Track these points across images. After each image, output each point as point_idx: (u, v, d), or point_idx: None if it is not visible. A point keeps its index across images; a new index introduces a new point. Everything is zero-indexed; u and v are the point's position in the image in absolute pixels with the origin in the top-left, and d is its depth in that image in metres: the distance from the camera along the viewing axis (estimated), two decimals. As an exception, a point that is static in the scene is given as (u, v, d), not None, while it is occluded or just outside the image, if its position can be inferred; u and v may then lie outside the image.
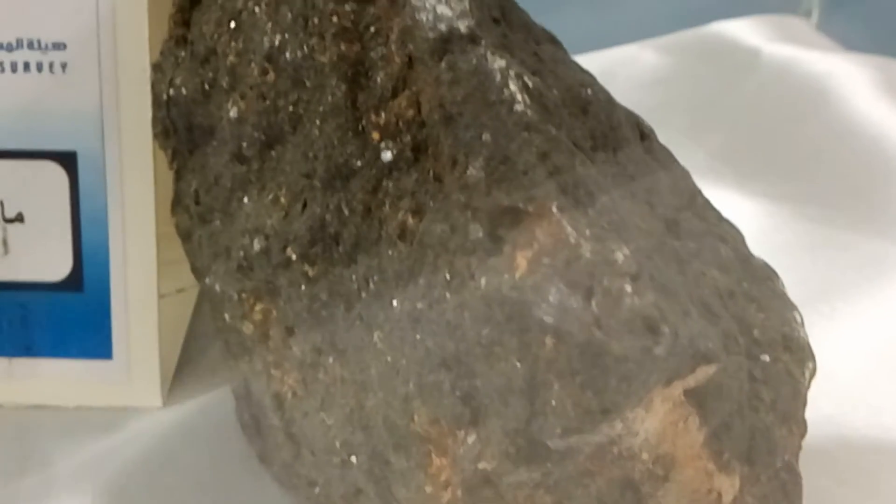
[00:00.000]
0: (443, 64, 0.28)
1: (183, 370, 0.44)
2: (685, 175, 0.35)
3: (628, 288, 0.24)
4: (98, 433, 0.41)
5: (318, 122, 0.31)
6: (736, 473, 0.29)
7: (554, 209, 0.25)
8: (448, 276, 0.27)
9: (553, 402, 0.25)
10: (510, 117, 0.27)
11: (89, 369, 0.42)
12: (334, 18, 0.30)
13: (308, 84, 0.31)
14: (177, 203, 0.39)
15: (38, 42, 0.40)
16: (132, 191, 0.40)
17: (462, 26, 0.28)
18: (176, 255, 0.40)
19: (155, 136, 0.39)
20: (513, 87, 0.27)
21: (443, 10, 0.28)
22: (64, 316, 0.42)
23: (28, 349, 0.42)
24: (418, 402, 0.29)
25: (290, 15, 0.31)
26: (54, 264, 0.41)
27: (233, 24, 0.34)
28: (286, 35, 0.31)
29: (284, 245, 0.33)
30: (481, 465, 0.28)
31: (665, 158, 0.34)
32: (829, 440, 0.37)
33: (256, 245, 0.34)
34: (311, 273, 0.32)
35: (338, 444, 0.33)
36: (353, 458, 0.33)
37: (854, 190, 0.54)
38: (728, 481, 0.28)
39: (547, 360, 0.25)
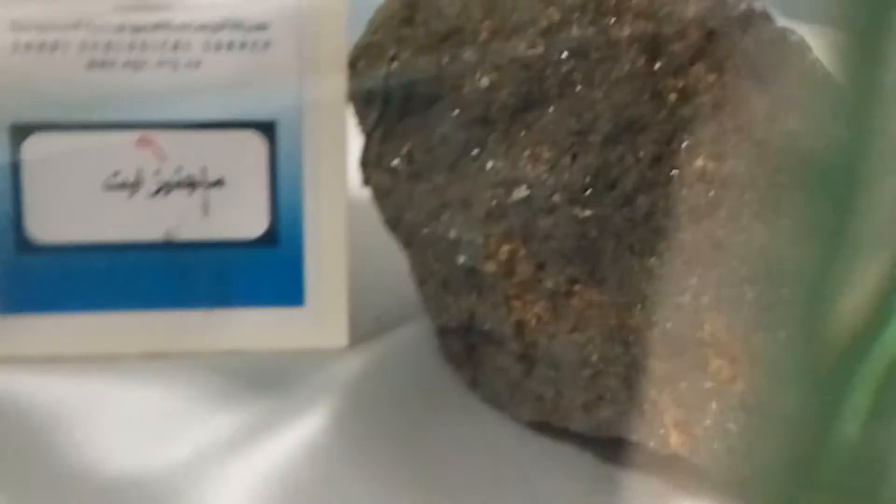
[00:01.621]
0: (748, 36, 0.35)
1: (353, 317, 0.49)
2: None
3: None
4: (299, 373, 0.46)
5: (603, 87, 0.37)
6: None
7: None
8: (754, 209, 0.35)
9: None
10: (818, 81, 0.34)
11: (283, 316, 0.47)
12: (633, 1, 0.36)
13: (594, 56, 0.37)
14: (376, 164, 0.45)
15: (242, 23, 0.44)
16: (326, 155, 0.46)
17: (758, 6, 0.35)
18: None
19: (356, 105, 0.45)
20: (812, 55, 0.35)
21: (740, -7, 0.35)
22: (259, 269, 0.46)
23: (224, 301, 0.47)
24: (714, 313, 0.36)
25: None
26: (251, 223, 0.46)
27: (484, 7, 0.40)
28: (567, 15, 0.38)
29: (551, 193, 0.39)
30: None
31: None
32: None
33: (517, 194, 0.40)
34: (581, 215, 0.39)
35: (594, 358, 0.40)
36: (609, 369, 0.40)
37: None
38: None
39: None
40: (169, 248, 0.46)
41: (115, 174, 0.45)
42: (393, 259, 0.48)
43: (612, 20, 0.37)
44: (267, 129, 0.45)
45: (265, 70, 0.45)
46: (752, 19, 0.35)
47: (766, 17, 0.35)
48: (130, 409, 0.44)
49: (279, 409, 0.44)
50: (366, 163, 0.46)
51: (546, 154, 0.39)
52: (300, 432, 0.43)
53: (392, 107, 0.44)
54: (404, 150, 0.44)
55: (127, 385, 0.45)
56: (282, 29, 0.45)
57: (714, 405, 0.37)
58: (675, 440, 0.38)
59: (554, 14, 0.38)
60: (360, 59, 0.45)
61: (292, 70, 0.45)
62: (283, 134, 0.45)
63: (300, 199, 0.46)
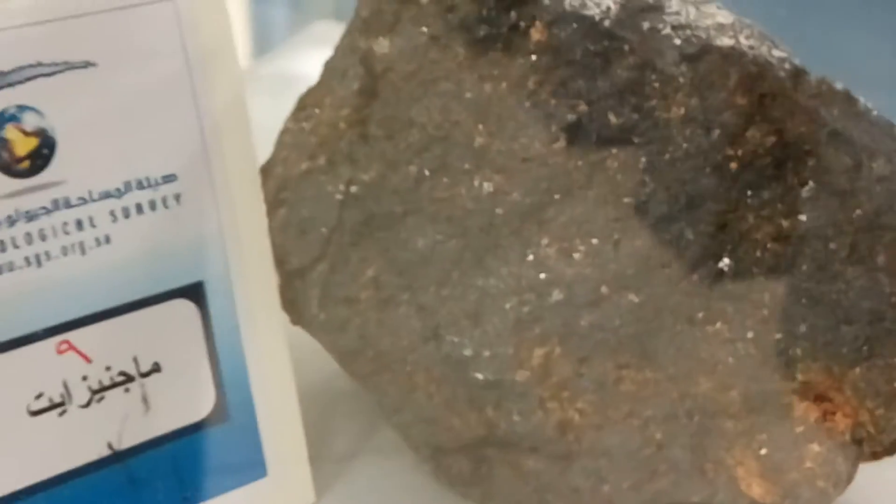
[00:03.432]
0: (802, 93, 0.36)
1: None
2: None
3: None
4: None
5: (653, 169, 0.36)
6: None
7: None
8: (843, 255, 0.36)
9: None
10: (878, 125, 0.36)
11: (248, 494, 0.41)
12: (681, 79, 0.36)
13: (638, 140, 0.36)
14: (322, 298, 0.41)
15: (148, 179, 0.38)
16: (260, 306, 0.40)
17: (796, 61, 0.37)
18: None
19: (282, 243, 0.40)
20: (862, 100, 0.37)
21: (778, 53, 0.36)
22: (214, 451, 0.40)
23: (186, 501, 0.40)
24: (807, 362, 0.37)
25: (606, 85, 0.36)
26: (198, 402, 0.40)
27: (472, 111, 0.37)
28: (595, 105, 0.36)
29: (596, 286, 0.38)
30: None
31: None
32: None
33: (556, 296, 0.38)
34: (635, 299, 0.38)
35: (658, 436, 0.39)
36: (670, 441, 0.39)
37: None
38: None
39: None
40: (114, 461, 0.38)
41: (39, 396, 0.37)
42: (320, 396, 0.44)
43: (654, 102, 0.36)
44: (194, 292, 0.39)
45: (182, 226, 0.38)
46: (798, 76, 0.36)
47: (804, 71, 0.36)
48: None
49: None
50: (294, 300, 0.41)
51: (580, 247, 0.38)
52: None
53: (343, 234, 0.40)
54: (367, 277, 0.40)
55: None
56: (191, 175, 0.38)
57: (814, 447, 0.38)
58: (758, 490, 0.39)
59: (580, 107, 0.36)
60: (285, 189, 0.40)
61: (211, 219, 0.39)
62: (212, 294, 0.39)
63: (243, 360, 0.40)
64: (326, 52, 0.40)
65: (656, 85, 0.36)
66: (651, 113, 0.36)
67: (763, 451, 0.39)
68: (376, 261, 0.40)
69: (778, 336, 0.37)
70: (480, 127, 0.37)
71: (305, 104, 0.40)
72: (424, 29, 0.37)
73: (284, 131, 0.40)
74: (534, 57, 0.36)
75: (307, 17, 0.84)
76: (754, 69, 0.36)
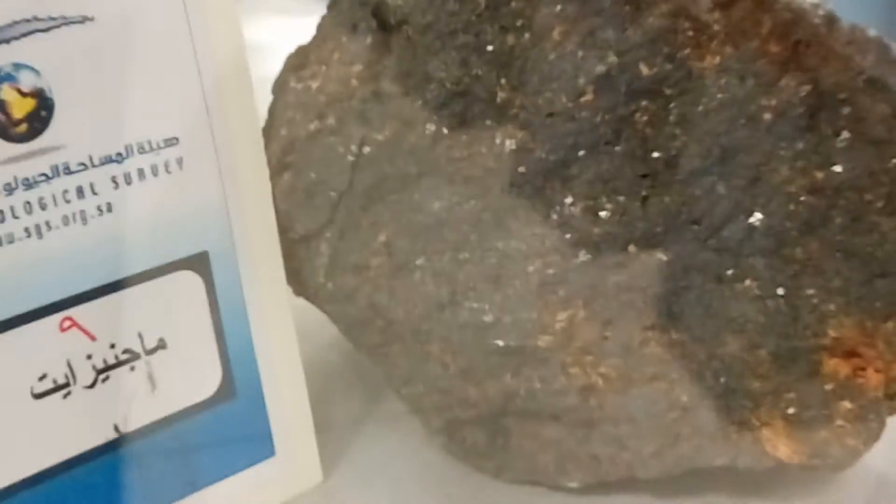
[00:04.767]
0: (836, 40, 0.35)
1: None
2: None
3: None
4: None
5: (685, 122, 0.35)
6: None
7: None
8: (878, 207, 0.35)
9: None
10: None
11: (256, 475, 0.39)
12: (715, 27, 0.35)
13: (670, 91, 0.35)
14: (330, 267, 0.39)
15: (149, 143, 0.36)
16: (266, 279, 0.38)
17: (828, 7, 0.36)
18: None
19: (287, 209, 0.38)
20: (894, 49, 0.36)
21: None
22: (221, 430, 0.38)
23: (193, 484, 0.38)
24: (839, 317, 0.37)
25: (638, 34, 0.35)
26: (204, 379, 0.38)
27: (493, 64, 0.36)
28: (625, 57, 0.35)
29: (625, 242, 0.37)
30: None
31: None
32: None
33: (582, 256, 0.37)
34: (664, 258, 0.37)
35: (684, 399, 0.38)
36: (695, 404, 0.38)
37: None
38: None
39: None
40: (121, 444, 0.36)
41: (42, 377, 0.34)
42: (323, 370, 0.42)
43: (688, 51, 0.35)
44: (199, 263, 0.37)
45: (184, 192, 0.36)
46: (832, 22, 0.35)
47: (837, 18, 0.35)
48: None
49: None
50: (298, 270, 0.39)
51: (607, 205, 0.36)
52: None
53: (353, 198, 0.38)
54: (379, 242, 0.38)
55: None
56: (193, 138, 0.36)
57: (844, 404, 0.37)
58: (784, 450, 0.38)
59: (609, 58, 0.35)
60: (291, 152, 0.38)
61: (214, 185, 0.37)
62: (217, 264, 0.37)
63: (249, 335, 0.38)
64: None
65: (690, 33, 0.34)
66: (684, 62, 0.35)
67: (791, 411, 0.38)
68: (389, 225, 0.38)
69: (810, 291, 0.36)
70: (503, 81, 0.36)
71: (307, 62, 0.38)
72: (442, -21, 0.35)
73: (287, 91, 0.38)
74: (559, 6, 0.35)
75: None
76: (788, 15, 0.35)
